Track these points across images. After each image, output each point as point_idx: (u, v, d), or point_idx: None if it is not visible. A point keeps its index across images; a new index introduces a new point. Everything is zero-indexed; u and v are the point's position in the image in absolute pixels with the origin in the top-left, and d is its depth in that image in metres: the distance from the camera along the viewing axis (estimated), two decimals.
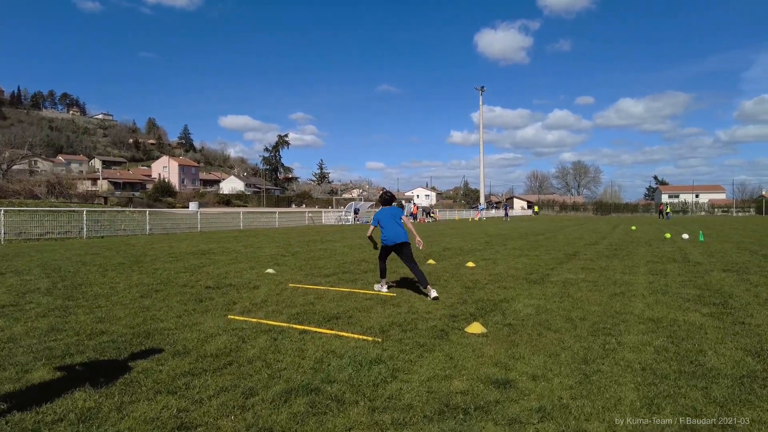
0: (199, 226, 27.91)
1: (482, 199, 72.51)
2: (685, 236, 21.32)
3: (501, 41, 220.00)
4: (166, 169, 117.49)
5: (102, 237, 21.38)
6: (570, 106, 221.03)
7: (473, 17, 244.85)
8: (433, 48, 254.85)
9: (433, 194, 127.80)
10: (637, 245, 17.09)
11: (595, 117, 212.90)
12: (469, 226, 34.63)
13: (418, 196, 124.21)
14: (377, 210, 8.53)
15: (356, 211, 44.34)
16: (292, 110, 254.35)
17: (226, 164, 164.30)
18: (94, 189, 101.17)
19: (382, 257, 7.90)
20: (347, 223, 40.56)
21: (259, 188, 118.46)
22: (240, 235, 22.81)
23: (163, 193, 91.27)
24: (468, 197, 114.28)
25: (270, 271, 10.44)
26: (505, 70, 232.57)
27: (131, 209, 35.40)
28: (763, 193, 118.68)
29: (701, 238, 20.20)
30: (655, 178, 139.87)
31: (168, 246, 16.63)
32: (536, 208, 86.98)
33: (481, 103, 71.81)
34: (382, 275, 7.97)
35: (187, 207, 60.50)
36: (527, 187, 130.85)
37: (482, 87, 71.25)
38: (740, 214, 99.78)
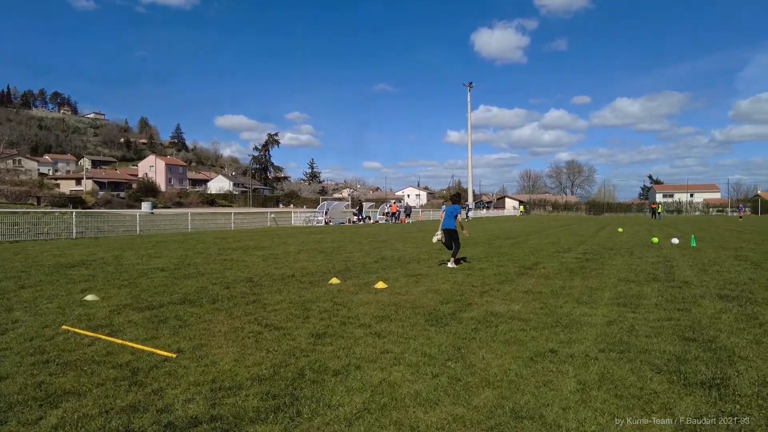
0: (138, 228, 24.94)
1: (470, 199, 69.38)
2: (675, 241, 18.30)
3: (497, 40, 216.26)
4: (152, 168, 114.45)
5: (13, 242, 18.70)
6: (566, 105, 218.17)
7: (470, 16, 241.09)
8: (429, 47, 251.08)
9: (424, 193, 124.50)
10: (616, 254, 14.05)
11: (592, 116, 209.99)
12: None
13: (408, 195, 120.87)
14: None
15: (326, 212, 41.35)
16: (288, 109, 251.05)
17: (217, 164, 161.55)
18: (78, 189, 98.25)
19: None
20: (317, 224, 37.52)
21: (251, 188, 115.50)
22: (164, 240, 19.71)
23: (146, 193, 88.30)
24: (461, 196, 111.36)
25: (90, 298, 7.39)
26: (501, 70, 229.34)
27: (61, 210, 32.15)
28: (759, 192, 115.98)
29: (693, 243, 17.23)
30: (650, 177, 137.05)
31: (47, 254, 13.59)
32: (522, 208, 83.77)
33: (468, 99, 68.90)
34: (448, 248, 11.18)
35: (173, 207, 57.36)
36: (520, 186, 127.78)
37: (470, 83, 68.23)
38: (735, 213, 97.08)
